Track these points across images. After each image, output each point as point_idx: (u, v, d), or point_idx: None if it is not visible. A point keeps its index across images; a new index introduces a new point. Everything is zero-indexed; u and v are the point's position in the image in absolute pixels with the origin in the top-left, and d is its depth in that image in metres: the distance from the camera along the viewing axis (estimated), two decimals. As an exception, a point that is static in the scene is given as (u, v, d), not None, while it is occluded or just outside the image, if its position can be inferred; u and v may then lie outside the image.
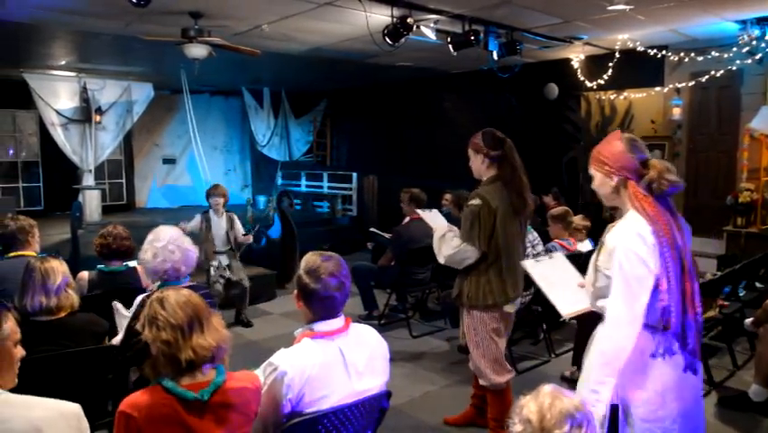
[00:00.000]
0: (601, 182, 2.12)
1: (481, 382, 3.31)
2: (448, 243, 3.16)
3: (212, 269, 5.66)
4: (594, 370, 2.00)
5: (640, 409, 2.02)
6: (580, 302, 2.34)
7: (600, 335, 2.06)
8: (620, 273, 1.97)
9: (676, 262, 1.97)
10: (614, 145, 2.08)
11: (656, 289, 1.97)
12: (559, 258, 2.87)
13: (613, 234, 2.05)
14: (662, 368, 2.01)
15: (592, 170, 2.15)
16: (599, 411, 1.93)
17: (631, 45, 7.02)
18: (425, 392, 4.21)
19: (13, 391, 1.61)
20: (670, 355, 2.01)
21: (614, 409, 1.98)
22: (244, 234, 5.89)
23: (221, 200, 5.76)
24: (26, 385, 1.69)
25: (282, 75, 10.56)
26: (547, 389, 1.47)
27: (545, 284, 2.95)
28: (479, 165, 3.17)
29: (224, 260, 5.77)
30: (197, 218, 5.79)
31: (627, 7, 5.36)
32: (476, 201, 3.07)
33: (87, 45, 7.38)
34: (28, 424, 1.52)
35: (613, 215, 2.32)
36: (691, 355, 2.02)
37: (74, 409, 1.64)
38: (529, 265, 3.21)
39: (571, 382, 4.10)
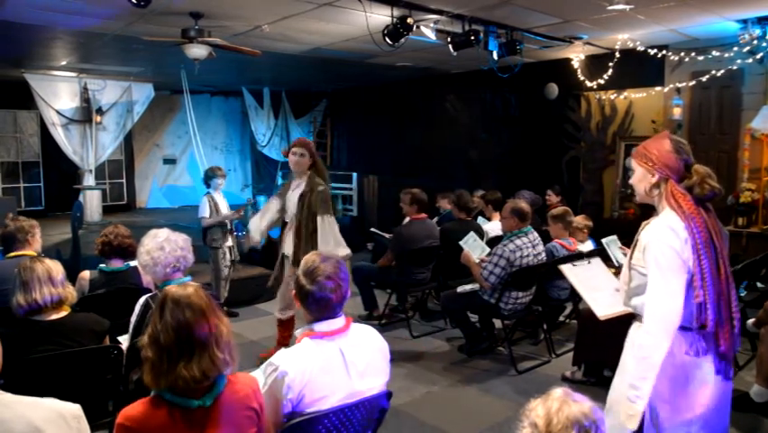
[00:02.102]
0: (641, 177, 2.12)
1: (282, 314, 4.57)
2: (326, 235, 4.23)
3: (226, 253, 5.78)
4: (634, 366, 1.96)
5: (667, 409, 1.99)
6: (615, 305, 2.35)
7: (640, 330, 2.02)
8: (657, 268, 1.95)
9: (711, 261, 1.95)
10: (662, 143, 2.08)
11: (690, 285, 1.95)
12: (596, 263, 2.91)
13: (647, 231, 2.05)
14: (694, 369, 1.98)
15: (634, 164, 2.14)
16: (639, 408, 1.91)
17: (631, 45, 7.01)
18: (426, 393, 4.20)
19: (13, 391, 1.60)
20: (701, 356, 1.98)
21: None
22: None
23: (224, 179, 6.00)
24: (27, 385, 1.69)
25: (282, 75, 10.56)
26: (557, 393, 1.45)
27: (582, 287, 2.98)
28: (306, 162, 4.46)
29: (230, 240, 5.90)
30: (206, 204, 5.77)
31: (628, 7, 5.35)
32: (323, 187, 4.37)
33: (88, 46, 7.37)
34: (28, 425, 1.52)
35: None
36: (722, 359, 1.99)
37: (74, 409, 1.64)
38: (567, 269, 3.23)
39: (571, 383, 4.10)
